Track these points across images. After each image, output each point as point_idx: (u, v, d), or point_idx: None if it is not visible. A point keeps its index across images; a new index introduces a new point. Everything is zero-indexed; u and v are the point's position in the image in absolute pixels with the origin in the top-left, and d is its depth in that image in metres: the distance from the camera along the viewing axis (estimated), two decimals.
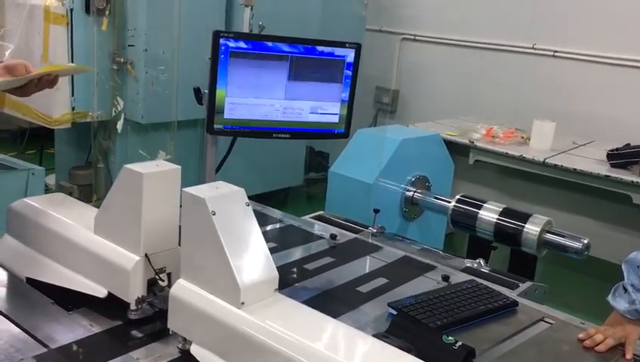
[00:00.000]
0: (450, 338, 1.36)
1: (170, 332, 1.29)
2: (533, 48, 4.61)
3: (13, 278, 1.55)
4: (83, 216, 1.53)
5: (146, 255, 1.35)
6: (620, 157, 3.50)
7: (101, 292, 1.40)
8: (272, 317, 1.16)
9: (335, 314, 1.47)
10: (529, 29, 4.62)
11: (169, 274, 1.39)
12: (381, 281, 1.77)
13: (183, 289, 1.25)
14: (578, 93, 4.41)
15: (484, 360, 1.36)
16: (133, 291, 1.35)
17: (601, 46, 4.29)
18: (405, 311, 1.51)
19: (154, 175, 1.34)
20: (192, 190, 1.23)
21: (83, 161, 4.02)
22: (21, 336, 1.30)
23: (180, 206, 1.32)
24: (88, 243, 1.44)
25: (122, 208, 1.38)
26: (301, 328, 1.15)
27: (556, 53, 4.50)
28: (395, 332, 1.39)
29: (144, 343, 1.32)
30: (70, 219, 1.52)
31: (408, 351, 1.20)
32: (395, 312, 1.53)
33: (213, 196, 1.21)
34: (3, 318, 1.37)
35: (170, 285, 1.36)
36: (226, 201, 1.23)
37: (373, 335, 1.25)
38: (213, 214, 1.19)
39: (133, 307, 1.36)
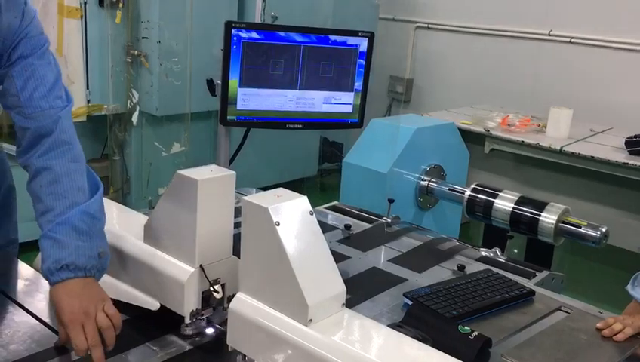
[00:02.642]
0: (466, 328, 1.35)
1: (230, 349, 1.22)
2: (549, 35, 4.55)
3: (33, 273, 1.55)
4: (129, 222, 1.48)
5: (200, 266, 1.29)
6: (639, 144, 3.45)
7: (153, 305, 1.34)
8: (341, 336, 1.10)
9: (350, 305, 1.46)
10: (545, 15, 4.56)
11: (223, 285, 1.33)
12: (396, 271, 1.77)
13: (244, 304, 1.17)
14: (595, 80, 4.35)
15: (500, 350, 1.35)
16: (188, 304, 1.29)
17: (619, 31, 4.22)
18: (420, 300, 1.51)
19: (209, 181, 1.26)
20: (253, 198, 1.15)
21: (99, 154, 4.05)
22: (38, 328, 1.32)
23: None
24: (138, 252, 1.37)
25: (175, 216, 1.31)
26: (375, 347, 1.09)
27: (573, 40, 4.44)
28: (411, 322, 1.38)
29: (160, 334, 1.33)
30: (116, 225, 1.46)
31: (424, 341, 1.19)
32: (410, 302, 1.52)
33: (277, 205, 1.12)
34: (21, 310, 1.38)
35: (224, 296, 1.32)
36: (290, 210, 1.14)
37: (388, 326, 1.25)
38: (278, 225, 1.10)
39: (187, 321, 1.31)
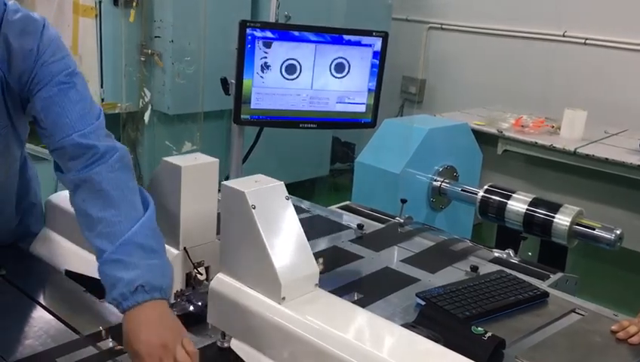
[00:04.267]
0: (479, 329, 1.34)
1: (210, 327, 1.29)
2: (563, 36, 4.52)
3: (48, 268, 1.57)
4: None
5: (184, 248, 1.34)
6: None
7: None
8: (313, 313, 1.15)
9: (363, 304, 1.46)
10: (559, 16, 4.53)
11: (207, 268, 1.38)
12: (409, 271, 1.76)
13: (223, 284, 1.24)
14: (610, 82, 4.31)
15: (514, 351, 1.34)
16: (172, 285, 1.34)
17: (634, 33, 4.19)
18: (433, 301, 1.50)
19: (192, 168, 1.33)
20: (232, 183, 1.22)
21: None
22: (54, 323, 1.33)
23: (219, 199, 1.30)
24: None
25: (161, 201, 1.36)
26: (343, 324, 1.14)
27: (587, 41, 4.41)
28: (424, 322, 1.38)
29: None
30: None
31: (437, 341, 1.19)
32: (423, 302, 1.52)
33: (254, 190, 1.19)
34: (37, 306, 1.40)
35: (208, 279, 1.35)
36: (266, 195, 1.21)
37: (402, 326, 1.24)
38: (254, 208, 1.17)
39: (172, 301, 1.35)
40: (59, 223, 1.61)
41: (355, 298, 1.58)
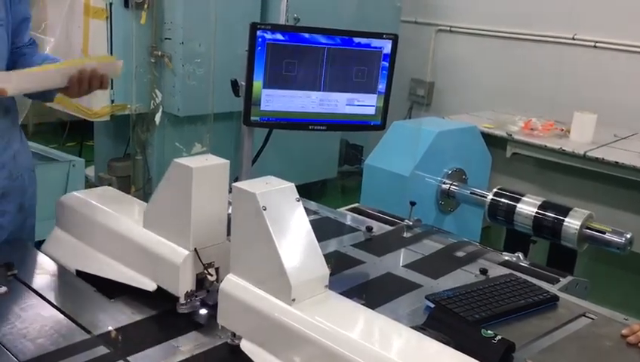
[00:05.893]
0: (489, 332, 1.34)
1: (220, 327, 1.29)
2: (573, 39, 4.51)
3: (60, 268, 1.58)
4: (132, 209, 1.55)
5: (195, 249, 1.35)
6: None
7: (150, 286, 1.41)
8: (322, 314, 1.15)
9: (371, 307, 1.46)
10: (569, 19, 4.52)
11: (217, 269, 1.39)
12: (418, 274, 1.76)
13: (233, 285, 1.25)
14: (620, 85, 4.29)
15: (524, 355, 1.34)
16: (182, 285, 1.36)
17: None
18: (443, 303, 1.50)
19: (203, 169, 1.34)
20: (243, 185, 1.23)
21: (121, 153, 4.09)
22: (65, 322, 1.33)
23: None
24: (138, 237, 1.44)
25: (171, 202, 1.38)
26: (353, 326, 1.14)
27: (597, 44, 4.40)
28: (433, 325, 1.37)
29: (185, 331, 1.34)
30: (120, 212, 1.53)
31: (447, 344, 1.19)
32: (432, 305, 1.52)
33: (264, 191, 1.20)
34: (48, 305, 1.41)
35: (218, 279, 1.36)
36: (277, 196, 1.22)
37: (411, 328, 1.24)
38: (264, 209, 1.18)
39: (182, 301, 1.37)
40: (70, 224, 1.62)
41: (362, 301, 1.57)
